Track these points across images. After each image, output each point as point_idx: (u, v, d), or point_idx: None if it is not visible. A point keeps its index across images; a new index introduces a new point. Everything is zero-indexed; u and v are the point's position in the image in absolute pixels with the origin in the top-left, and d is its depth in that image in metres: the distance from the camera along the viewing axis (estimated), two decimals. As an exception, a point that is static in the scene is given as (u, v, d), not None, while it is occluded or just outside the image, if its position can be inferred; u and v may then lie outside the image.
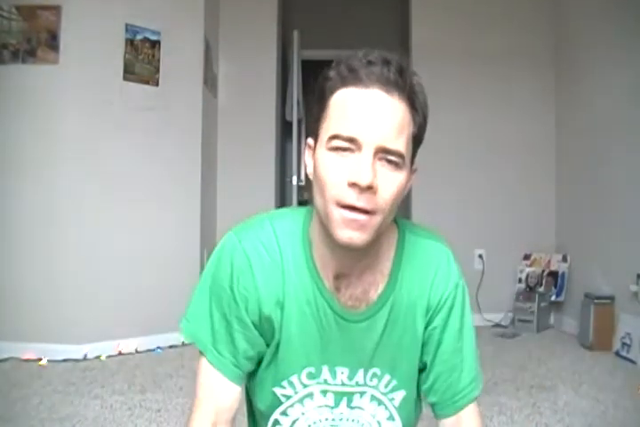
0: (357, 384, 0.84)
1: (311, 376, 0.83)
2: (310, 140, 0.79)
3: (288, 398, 0.84)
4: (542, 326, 3.40)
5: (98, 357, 2.70)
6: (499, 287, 3.58)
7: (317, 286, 0.81)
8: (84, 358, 2.67)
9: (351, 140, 0.71)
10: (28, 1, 2.73)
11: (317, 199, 0.75)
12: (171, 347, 2.89)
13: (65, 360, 2.62)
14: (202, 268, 3.22)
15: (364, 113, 0.71)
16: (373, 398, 0.85)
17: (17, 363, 2.58)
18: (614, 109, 2.97)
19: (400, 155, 0.72)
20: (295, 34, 3.90)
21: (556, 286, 3.45)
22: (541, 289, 3.48)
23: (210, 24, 3.42)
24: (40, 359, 2.60)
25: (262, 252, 0.81)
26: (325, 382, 0.84)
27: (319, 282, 0.81)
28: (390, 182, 0.72)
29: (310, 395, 0.84)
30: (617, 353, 2.74)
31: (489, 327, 3.41)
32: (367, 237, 0.73)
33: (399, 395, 0.86)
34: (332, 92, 0.74)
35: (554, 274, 3.48)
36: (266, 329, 0.82)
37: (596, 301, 2.90)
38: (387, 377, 0.85)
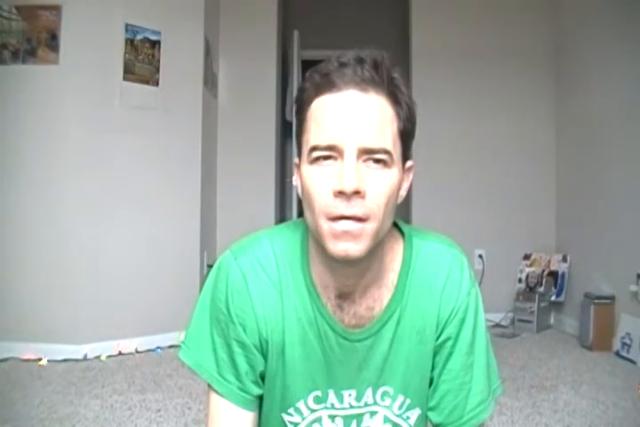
0: (366, 404, 0.81)
1: (318, 400, 0.80)
2: (296, 160, 0.75)
3: (296, 425, 0.81)
4: (542, 326, 3.40)
5: (98, 357, 2.70)
6: (499, 287, 3.58)
7: (317, 307, 0.77)
8: (84, 358, 2.67)
9: (331, 148, 0.67)
10: (28, 1, 2.73)
11: (307, 216, 0.71)
12: (170, 347, 2.89)
13: (65, 360, 2.62)
14: (202, 267, 3.22)
15: (340, 117, 0.67)
16: (387, 419, 0.81)
17: (17, 363, 2.58)
18: (614, 110, 2.97)
19: (385, 151, 0.68)
20: (295, 34, 3.91)
21: (556, 286, 3.45)
22: (541, 289, 3.48)
23: (210, 24, 3.42)
24: (40, 359, 2.60)
25: (259, 270, 0.77)
26: (332, 406, 0.80)
27: (318, 302, 0.77)
28: (380, 183, 0.68)
29: (318, 420, 0.81)
30: (617, 353, 2.74)
31: (489, 327, 3.40)
32: (364, 248, 0.68)
33: (415, 413, 0.81)
34: (308, 104, 0.71)
35: (554, 274, 3.47)
36: (268, 352, 0.79)
37: (595, 301, 2.90)
38: (400, 398, 0.80)
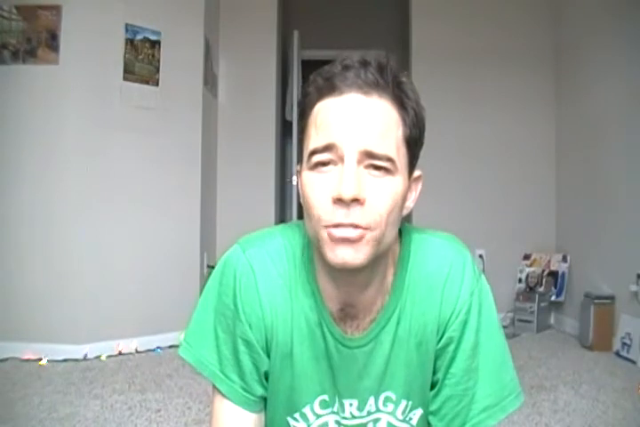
0: (369, 413, 0.78)
1: (325, 405, 0.77)
2: (298, 166, 0.72)
3: None
4: (542, 326, 3.40)
5: (98, 357, 2.70)
6: (499, 287, 3.57)
7: (320, 311, 0.74)
8: (84, 358, 2.67)
9: (330, 149, 0.64)
10: (28, 1, 2.73)
11: (307, 224, 0.68)
12: (171, 347, 2.89)
13: (65, 360, 2.62)
14: (202, 268, 3.22)
15: (340, 119, 0.64)
16: (390, 425, 0.78)
17: (17, 363, 2.58)
18: (614, 111, 2.97)
19: (388, 158, 0.64)
20: (295, 34, 3.91)
21: (556, 286, 3.45)
22: (541, 289, 3.48)
23: (210, 24, 3.42)
24: (40, 359, 2.60)
25: (269, 264, 0.74)
26: (338, 413, 0.78)
27: (321, 306, 0.74)
28: (382, 191, 0.64)
29: (325, 425, 0.78)
30: (617, 353, 2.74)
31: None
32: (363, 256, 0.64)
33: (417, 413, 0.79)
34: (310, 108, 0.68)
35: (554, 274, 3.47)
36: (271, 351, 0.76)
37: (595, 301, 2.90)
38: (404, 402, 0.77)
